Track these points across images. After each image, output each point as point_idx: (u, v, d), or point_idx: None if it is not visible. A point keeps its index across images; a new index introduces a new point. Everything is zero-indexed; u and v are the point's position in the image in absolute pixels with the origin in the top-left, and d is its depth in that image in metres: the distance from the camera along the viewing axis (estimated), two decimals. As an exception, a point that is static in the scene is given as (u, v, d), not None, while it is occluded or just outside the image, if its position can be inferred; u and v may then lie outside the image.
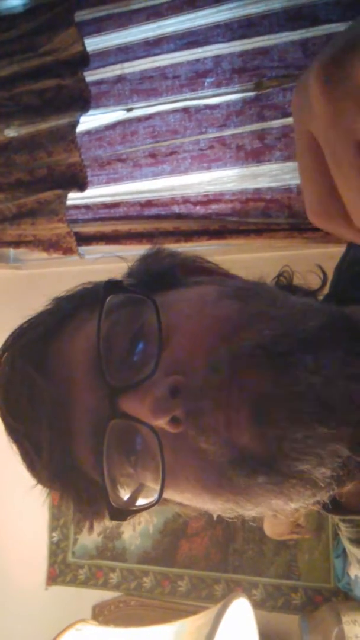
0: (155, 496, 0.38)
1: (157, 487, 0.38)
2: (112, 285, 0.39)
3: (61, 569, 1.78)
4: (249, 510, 0.38)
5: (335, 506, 0.41)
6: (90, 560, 1.76)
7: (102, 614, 1.60)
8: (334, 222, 0.25)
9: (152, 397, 0.36)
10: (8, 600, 1.78)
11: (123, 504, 0.40)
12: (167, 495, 0.40)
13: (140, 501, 0.41)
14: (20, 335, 0.45)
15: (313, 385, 0.33)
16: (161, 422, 0.36)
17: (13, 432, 0.44)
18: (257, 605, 1.34)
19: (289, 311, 0.37)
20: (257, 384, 0.34)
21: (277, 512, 0.38)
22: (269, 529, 1.60)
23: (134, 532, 1.74)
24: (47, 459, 0.42)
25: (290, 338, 0.35)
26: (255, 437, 0.34)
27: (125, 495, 0.41)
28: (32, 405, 0.41)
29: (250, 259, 1.55)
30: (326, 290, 0.47)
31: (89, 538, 1.79)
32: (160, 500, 0.38)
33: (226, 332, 0.36)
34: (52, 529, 1.82)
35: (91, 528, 0.45)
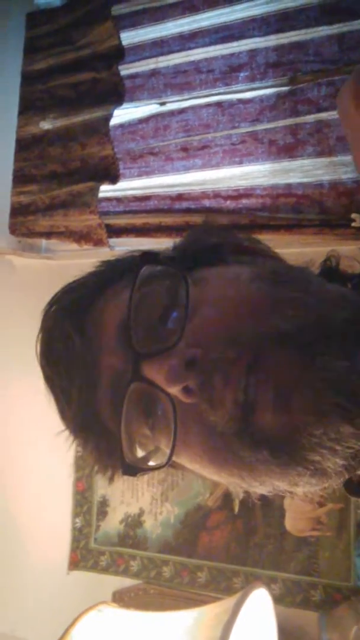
0: (165, 459, 0.40)
1: (168, 452, 0.40)
2: (147, 257, 0.41)
3: (83, 555, 1.81)
4: (254, 487, 0.39)
5: (355, 488, 0.42)
6: (112, 547, 1.79)
7: (122, 600, 1.63)
8: None
9: (168, 365, 0.37)
10: (30, 584, 1.82)
11: (135, 460, 0.43)
12: (179, 461, 0.43)
13: (153, 462, 0.44)
14: (68, 292, 0.48)
15: (340, 376, 0.33)
16: (174, 390, 0.38)
17: (49, 381, 0.47)
18: (276, 600, 1.33)
19: (320, 299, 0.38)
20: (282, 369, 0.35)
21: (287, 493, 0.39)
22: (290, 525, 1.60)
23: (155, 522, 1.76)
24: (75, 410, 0.45)
25: (317, 327, 0.35)
26: (275, 422, 0.35)
27: (140, 454, 0.44)
28: (67, 360, 0.44)
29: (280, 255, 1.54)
30: None
31: (111, 525, 1.81)
32: (168, 463, 0.40)
33: (253, 314, 0.37)
34: (75, 515, 1.85)
35: (111, 479, 0.47)
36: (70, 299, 0.47)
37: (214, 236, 0.49)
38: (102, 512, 1.84)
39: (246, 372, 0.35)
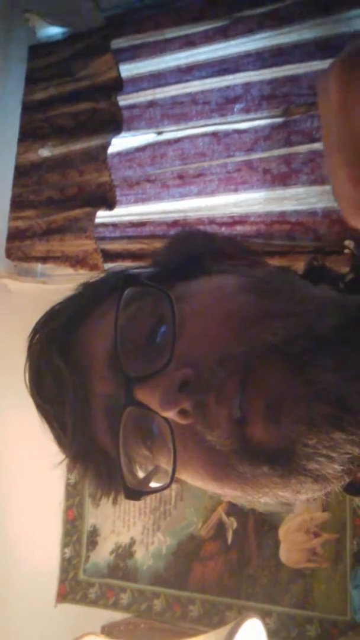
0: (167, 480, 0.40)
1: (170, 471, 0.39)
2: (130, 279, 0.41)
3: (72, 587, 1.76)
4: (258, 499, 0.38)
5: (355, 488, 0.41)
6: (102, 579, 1.74)
7: (111, 634, 1.57)
8: None
9: (161, 389, 0.37)
10: (16, 616, 1.76)
11: (137, 484, 0.42)
12: (181, 478, 0.42)
13: (154, 483, 0.43)
14: (50, 319, 0.48)
15: (328, 385, 0.33)
16: (169, 415, 0.37)
17: (42, 411, 0.46)
18: (271, 635, 1.29)
19: (307, 307, 0.37)
20: (272, 382, 0.35)
21: (287, 502, 0.38)
22: (285, 556, 1.56)
23: (147, 552, 1.72)
24: (71, 438, 0.44)
25: (306, 336, 0.35)
26: (268, 435, 0.34)
27: (140, 474, 0.43)
28: (56, 389, 0.44)
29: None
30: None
31: (101, 556, 1.77)
32: (171, 484, 0.40)
33: (240, 329, 0.37)
34: (65, 544, 1.80)
35: (115, 501, 0.46)
36: (53, 327, 0.46)
37: (194, 245, 0.48)
38: (92, 542, 1.79)
39: (239, 388, 0.35)
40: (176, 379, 0.37)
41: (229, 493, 0.40)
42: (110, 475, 0.44)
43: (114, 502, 0.47)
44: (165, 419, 0.38)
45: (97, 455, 0.44)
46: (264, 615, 1.49)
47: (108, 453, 0.43)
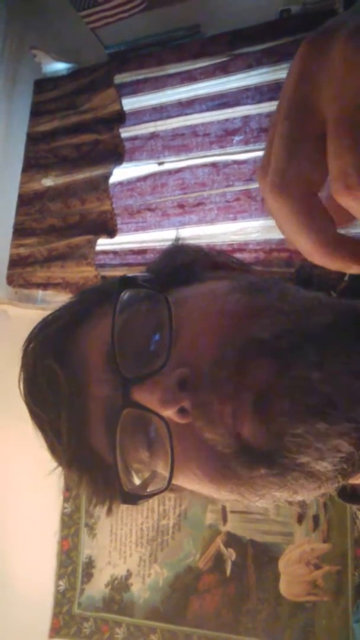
0: (165, 483, 0.39)
1: (167, 475, 0.39)
2: (126, 282, 0.41)
3: (66, 621, 1.70)
4: (254, 502, 0.38)
5: (353, 496, 0.41)
6: (96, 613, 1.69)
7: (105, 671, 1.52)
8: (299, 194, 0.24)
9: (161, 388, 0.37)
10: (8, 653, 1.70)
11: (134, 488, 0.41)
12: (177, 483, 0.41)
13: (152, 488, 0.42)
14: (44, 327, 0.47)
15: (315, 379, 0.34)
16: (169, 413, 0.37)
17: (36, 418, 0.46)
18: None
19: (296, 306, 0.38)
20: (260, 378, 0.35)
21: (284, 503, 0.38)
22: (285, 589, 1.52)
23: (143, 585, 1.67)
24: (66, 444, 0.43)
25: (294, 333, 0.36)
26: (256, 430, 0.35)
27: (137, 481, 0.42)
28: (52, 395, 0.43)
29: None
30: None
31: (96, 588, 1.72)
32: (168, 487, 0.39)
33: (233, 325, 0.38)
34: (59, 577, 1.76)
35: (109, 511, 0.45)
36: (48, 333, 0.46)
37: (187, 255, 0.49)
38: (88, 574, 1.75)
39: (235, 386, 0.35)
40: (175, 377, 0.37)
41: (225, 497, 0.39)
42: (106, 481, 0.43)
43: (109, 511, 0.46)
44: (163, 419, 0.38)
45: (93, 461, 0.44)
46: (263, 652, 1.45)
47: (104, 459, 0.43)
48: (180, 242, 0.49)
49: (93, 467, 0.44)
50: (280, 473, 0.35)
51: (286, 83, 0.25)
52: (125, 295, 0.41)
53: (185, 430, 0.37)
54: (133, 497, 0.40)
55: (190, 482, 0.40)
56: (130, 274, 0.43)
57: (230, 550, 1.61)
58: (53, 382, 0.43)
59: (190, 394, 0.37)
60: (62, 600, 1.73)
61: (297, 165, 0.24)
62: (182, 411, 0.37)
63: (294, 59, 0.25)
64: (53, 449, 0.45)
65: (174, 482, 0.40)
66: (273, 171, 0.25)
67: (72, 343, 0.44)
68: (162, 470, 0.40)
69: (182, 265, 0.47)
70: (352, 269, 0.26)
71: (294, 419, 0.34)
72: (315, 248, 0.25)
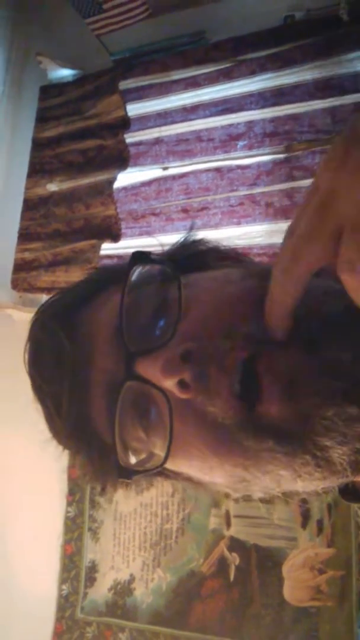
0: (162, 459, 0.39)
1: (164, 453, 0.39)
2: (140, 256, 0.41)
3: (68, 625, 1.70)
4: (258, 479, 0.37)
5: (355, 494, 0.41)
6: (99, 618, 1.68)
7: None
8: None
9: (162, 359, 0.37)
10: (11, 657, 1.70)
11: (130, 464, 0.41)
12: (175, 466, 0.41)
13: (149, 466, 0.42)
14: (55, 301, 0.48)
15: (341, 362, 0.33)
16: (170, 384, 0.37)
17: (38, 390, 0.46)
18: None
19: (314, 290, 0.37)
20: (285, 361, 0.35)
21: (286, 489, 0.38)
22: (289, 594, 1.51)
23: (147, 590, 1.67)
24: (65, 417, 0.43)
25: (315, 316, 0.36)
26: (284, 413, 0.34)
27: (134, 461, 0.42)
28: (56, 366, 0.43)
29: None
30: None
31: (100, 593, 1.71)
32: (165, 461, 0.39)
33: (246, 311, 0.37)
34: (62, 581, 1.75)
35: (103, 490, 0.45)
36: (58, 305, 0.46)
37: (200, 245, 0.49)
38: (90, 579, 1.74)
39: (243, 361, 0.35)
40: (179, 349, 0.37)
41: (228, 471, 0.39)
42: (102, 456, 0.43)
43: (103, 490, 0.46)
44: (164, 393, 0.37)
45: (91, 435, 0.43)
46: (267, 657, 1.44)
47: (101, 433, 0.43)
48: (192, 235, 0.50)
49: (90, 441, 0.44)
50: (291, 451, 0.35)
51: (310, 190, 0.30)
52: (137, 271, 0.41)
53: (186, 406, 0.37)
54: (128, 472, 0.40)
55: (190, 460, 0.40)
56: (144, 250, 0.42)
57: (234, 554, 1.60)
58: (58, 352, 0.43)
59: (192, 367, 0.36)
60: (65, 605, 1.73)
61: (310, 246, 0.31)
62: (182, 384, 0.36)
63: (320, 167, 0.28)
64: (52, 422, 0.45)
65: (172, 465, 0.40)
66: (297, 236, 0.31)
67: (81, 317, 0.45)
68: (160, 450, 0.40)
69: (195, 254, 0.47)
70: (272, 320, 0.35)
71: (325, 401, 0.33)
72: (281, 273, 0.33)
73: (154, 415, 0.40)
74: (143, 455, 0.42)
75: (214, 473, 0.40)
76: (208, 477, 0.41)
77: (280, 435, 0.34)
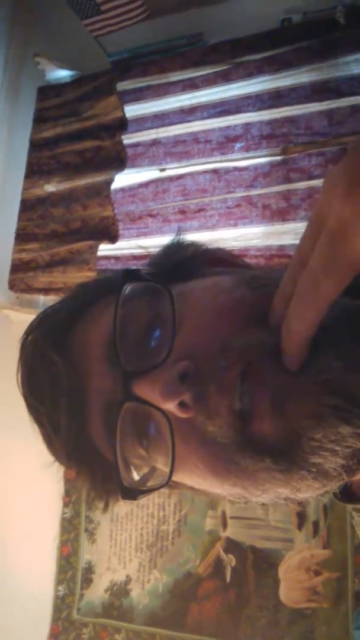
0: (165, 478, 0.39)
1: (168, 470, 0.38)
2: (129, 274, 0.41)
3: (65, 627, 1.70)
4: (257, 497, 0.37)
5: (349, 495, 0.41)
6: (95, 619, 1.68)
7: None
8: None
9: (162, 381, 0.36)
10: (6, 658, 1.69)
11: (134, 483, 0.41)
12: (178, 479, 0.41)
13: (151, 483, 0.42)
14: (44, 319, 0.47)
15: (335, 377, 0.33)
16: (170, 406, 0.36)
17: (34, 411, 0.45)
18: None
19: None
20: (274, 375, 0.34)
21: (286, 500, 0.38)
22: (285, 595, 1.52)
23: (143, 591, 1.67)
24: (64, 438, 0.43)
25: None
26: (274, 429, 0.34)
27: (137, 477, 0.42)
28: (51, 387, 0.43)
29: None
30: None
31: (96, 594, 1.71)
32: (169, 481, 0.39)
33: (238, 322, 0.37)
34: (59, 582, 1.75)
35: (105, 507, 0.45)
36: (48, 325, 0.45)
37: (187, 249, 0.48)
38: (87, 580, 1.74)
39: (240, 379, 0.35)
40: (176, 371, 0.36)
41: (228, 490, 0.39)
42: (105, 475, 0.43)
43: (106, 507, 0.46)
44: (164, 413, 0.37)
45: (91, 455, 0.43)
46: (263, 658, 1.44)
47: (103, 453, 0.42)
48: (179, 238, 0.49)
49: (92, 461, 0.43)
50: (286, 469, 0.34)
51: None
52: (128, 288, 0.40)
53: (186, 425, 0.37)
54: (133, 492, 0.39)
55: (192, 477, 0.40)
56: (132, 267, 0.42)
57: (230, 556, 1.61)
58: (52, 373, 0.42)
59: (190, 387, 0.36)
60: (62, 606, 1.73)
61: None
62: (183, 405, 0.36)
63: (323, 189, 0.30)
64: (50, 443, 0.45)
65: (174, 478, 0.39)
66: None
67: (72, 335, 0.44)
68: (162, 466, 0.40)
69: (183, 261, 0.47)
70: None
71: (318, 423, 0.33)
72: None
73: (154, 433, 0.40)
74: (145, 470, 0.42)
75: (214, 489, 0.40)
76: (209, 490, 0.41)
77: (276, 453, 0.34)
